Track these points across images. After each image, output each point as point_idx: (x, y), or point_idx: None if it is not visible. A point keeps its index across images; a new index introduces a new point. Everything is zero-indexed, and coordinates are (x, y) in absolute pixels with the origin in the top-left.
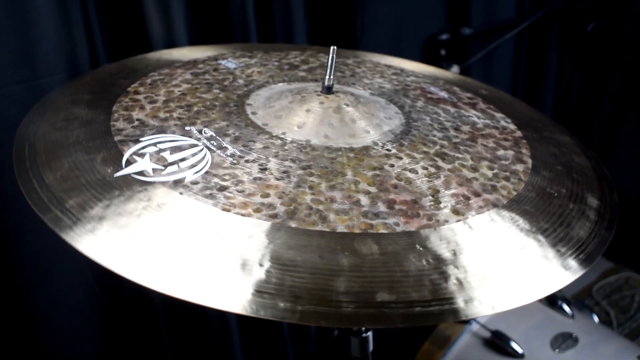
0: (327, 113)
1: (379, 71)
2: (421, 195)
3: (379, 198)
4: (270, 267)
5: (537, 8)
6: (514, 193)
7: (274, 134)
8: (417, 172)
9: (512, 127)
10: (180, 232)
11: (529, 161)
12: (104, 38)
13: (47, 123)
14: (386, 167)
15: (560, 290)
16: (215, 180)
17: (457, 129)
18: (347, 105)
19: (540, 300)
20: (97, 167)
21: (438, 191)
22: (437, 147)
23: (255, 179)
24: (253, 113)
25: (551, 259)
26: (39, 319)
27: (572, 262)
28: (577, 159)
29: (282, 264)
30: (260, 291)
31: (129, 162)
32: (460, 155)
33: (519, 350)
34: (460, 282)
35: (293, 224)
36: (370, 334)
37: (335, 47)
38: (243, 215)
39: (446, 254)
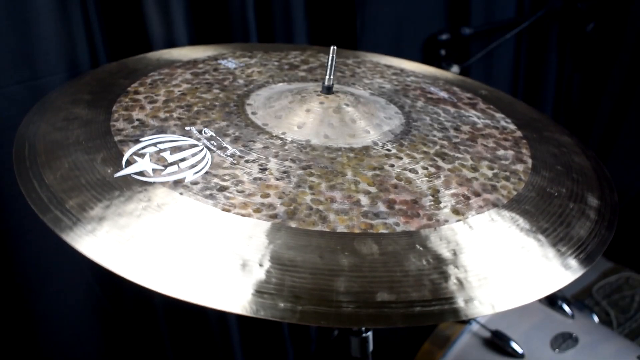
0: (327, 113)
1: (379, 71)
2: (421, 195)
3: (379, 198)
4: (271, 268)
5: (537, 8)
6: (514, 193)
7: (274, 134)
8: (417, 172)
9: (512, 127)
10: (180, 232)
11: (529, 161)
12: (104, 38)
13: (47, 123)
14: (386, 167)
15: (560, 290)
16: (215, 180)
17: (457, 129)
18: (347, 105)
19: (540, 300)
20: (97, 167)
21: (438, 191)
22: (437, 147)
23: (255, 179)
24: (253, 113)
25: (551, 259)
26: (39, 319)
27: (573, 262)
28: (577, 159)
29: (282, 264)
30: (260, 291)
31: (129, 163)
32: (460, 155)
33: (519, 350)
34: (460, 282)
35: (293, 224)
36: (370, 334)
37: (335, 47)
38: (243, 215)
39: (446, 253)
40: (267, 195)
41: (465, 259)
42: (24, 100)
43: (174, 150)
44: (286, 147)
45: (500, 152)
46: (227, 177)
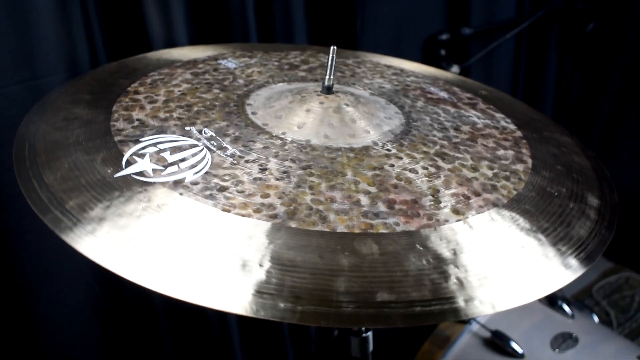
0: (327, 113)
1: (379, 71)
2: (421, 195)
3: (379, 198)
4: (271, 268)
5: (537, 8)
6: (514, 192)
7: (274, 134)
8: (417, 172)
9: (512, 127)
10: (180, 232)
11: (529, 161)
12: (104, 38)
13: (47, 123)
14: (386, 167)
15: (560, 290)
16: (215, 180)
17: (457, 129)
18: (347, 105)
19: (540, 300)
20: (97, 168)
21: (438, 191)
22: (437, 147)
23: (255, 179)
24: (253, 113)
25: (551, 258)
26: (39, 319)
27: (573, 261)
28: (577, 159)
29: (282, 264)
30: (260, 291)
31: (129, 163)
32: (460, 155)
33: (519, 350)
34: (460, 282)
35: (293, 224)
36: (370, 334)
37: (335, 47)
38: (243, 215)
39: (446, 253)
40: (267, 196)
41: (465, 259)
42: (24, 100)
43: (174, 150)
44: (286, 147)
45: (500, 152)
46: (227, 177)
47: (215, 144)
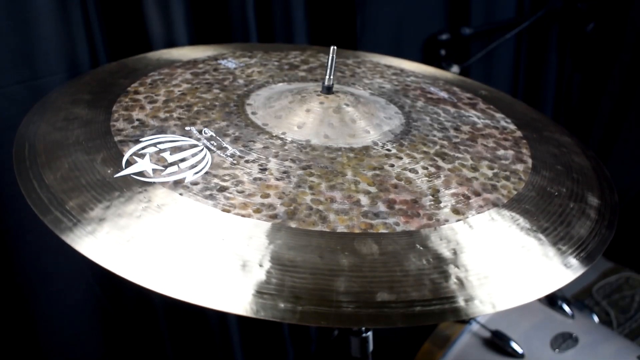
0: (327, 113)
1: (379, 71)
2: (421, 195)
3: (379, 198)
4: (271, 268)
5: (537, 8)
6: (514, 192)
7: (274, 134)
8: (417, 172)
9: (512, 127)
10: (180, 233)
11: (529, 161)
12: (104, 38)
13: (47, 123)
14: (386, 167)
15: (560, 290)
16: (215, 180)
17: (457, 129)
18: (347, 105)
19: (540, 300)
20: (97, 168)
21: (438, 191)
22: (437, 147)
23: (255, 179)
24: (253, 113)
25: (552, 258)
26: (39, 319)
27: (573, 261)
28: (577, 159)
29: (282, 264)
30: (260, 292)
31: (129, 163)
32: (460, 155)
33: (519, 350)
34: (460, 281)
35: (293, 224)
36: (370, 334)
37: (335, 47)
38: (243, 215)
39: (446, 253)
40: (267, 196)
41: (465, 259)
42: (24, 100)
43: (174, 150)
44: (286, 147)
45: (500, 152)
46: (227, 178)
47: (215, 144)
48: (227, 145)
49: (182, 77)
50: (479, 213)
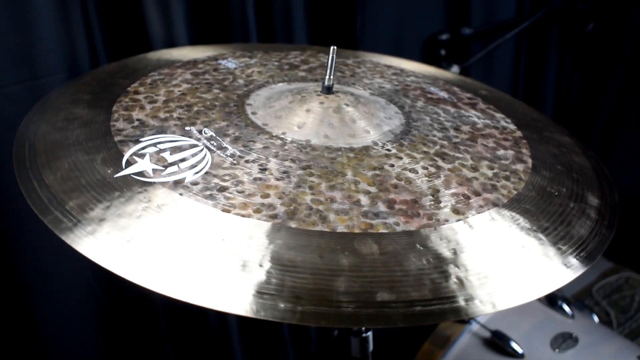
0: (327, 113)
1: (379, 71)
2: (421, 195)
3: (379, 198)
4: (271, 268)
5: (537, 8)
6: (514, 192)
7: (274, 134)
8: (417, 172)
9: (512, 127)
10: (180, 233)
11: (529, 161)
12: (104, 38)
13: (47, 123)
14: (386, 167)
15: (560, 290)
16: (215, 180)
17: (457, 129)
18: (347, 105)
19: (540, 300)
20: (97, 168)
21: (438, 191)
22: (437, 147)
23: (255, 179)
24: (253, 113)
25: (552, 257)
26: (39, 319)
27: (573, 260)
28: (577, 159)
29: (282, 264)
30: (260, 292)
31: (129, 163)
32: (460, 155)
33: (519, 350)
34: (460, 281)
35: (293, 225)
36: (370, 334)
37: (335, 47)
38: (243, 216)
39: (446, 253)
40: (267, 196)
41: (465, 258)
42: (24, 100)
43: (174, 150)
44: (286, 147)
45: (500, 152)
46: (227, 178)
47: (215, 144)
48: (227, 145)
49: (182, 77)
50: (479, 213)
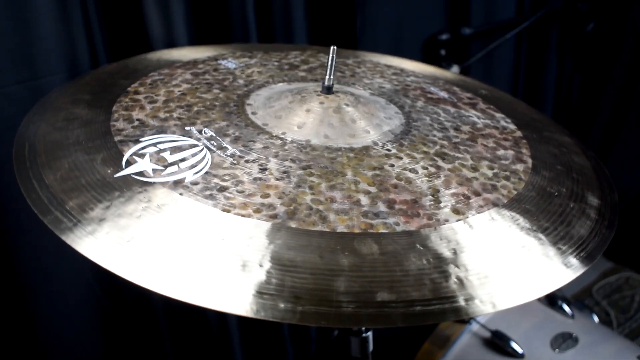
0: (327, 113)
1: (379, 71)
2: (421, 195)
3: (379, 198)
4: (271, 268)
5: (537, 8)
6: (514, 192)
7: (274, 134)
8: (417, 172)
9: (512, 127)
10: (180, 233)
11: (529, 161)
12: (104, 38)
13: (47, 123)
14: (386, 167)
15: (560, 290)
16: (215, 180)
17: (457, 129)
18: (347, 105)
19: (540, 300)
20: (97, 168)
21: (438, 191)
22: (437, 147)
23: (255, 179)
24: (253, 113)
25: (552, 257)
26: (39, 319)
27: (573, 260)
28: (577, 159)
29: (282, 264)
30: (260, 292)
31: (129, 163)
32: (460, 155)
33: (519, 350)
34: (460, 281)
35: (293, 224)
36: (370, 334)
37: (335, 47)
38: (243, 215)
39: (446, 253)
40: (267, 196)
41: (465, 258)
42: (24, 100)
43: (174, 150)
44: (286, 147)
45: (500, 152)
46: (227, 177)
47: (215, 144)
48: (227, 145)
49: (182, 77)
50: (479, 213)
